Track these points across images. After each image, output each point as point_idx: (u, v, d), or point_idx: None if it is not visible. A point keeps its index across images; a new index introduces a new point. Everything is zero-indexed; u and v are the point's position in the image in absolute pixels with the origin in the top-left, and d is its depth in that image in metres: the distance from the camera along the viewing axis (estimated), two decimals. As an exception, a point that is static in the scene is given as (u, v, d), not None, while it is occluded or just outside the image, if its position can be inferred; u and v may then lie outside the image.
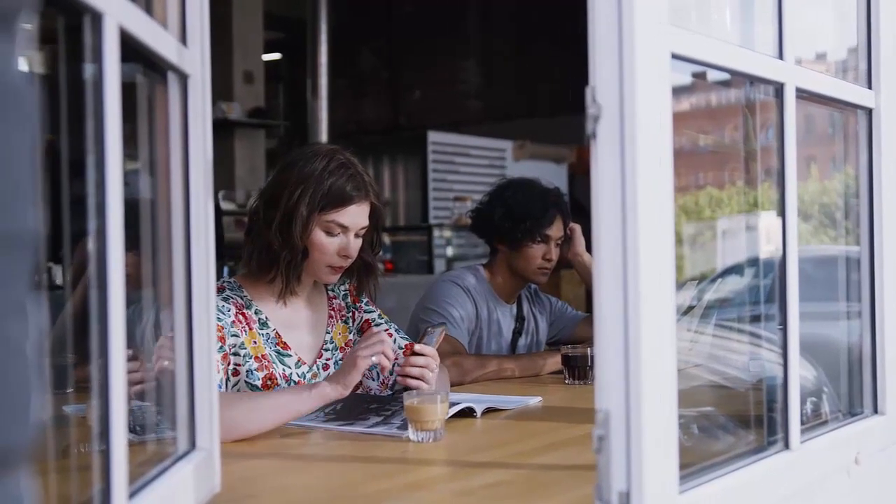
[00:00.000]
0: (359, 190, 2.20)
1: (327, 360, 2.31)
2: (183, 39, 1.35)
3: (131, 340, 1.07)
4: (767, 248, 1.96)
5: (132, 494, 1.09)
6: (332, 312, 2.37)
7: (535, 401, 2.35)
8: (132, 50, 1.12)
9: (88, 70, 1.02)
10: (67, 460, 1.22)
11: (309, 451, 1.84)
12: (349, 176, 2.19)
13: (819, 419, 1.75)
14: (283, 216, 2.16)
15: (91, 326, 1.03)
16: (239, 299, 2.19)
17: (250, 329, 2.18)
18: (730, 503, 1.36)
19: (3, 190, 0.55)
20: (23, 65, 0.57)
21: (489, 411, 2.17)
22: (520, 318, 3.15)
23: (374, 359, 1.97)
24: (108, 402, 1.01)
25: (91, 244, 1.02)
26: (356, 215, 2.20)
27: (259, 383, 2.15)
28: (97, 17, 1.00)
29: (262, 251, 2.20)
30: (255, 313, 2.21)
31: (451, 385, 2.65)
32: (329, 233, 2.19)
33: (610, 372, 1.18)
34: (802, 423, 1.56)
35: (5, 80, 0.55)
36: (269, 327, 2.21)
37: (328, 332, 2.34)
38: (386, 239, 7.64)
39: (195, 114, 1.37)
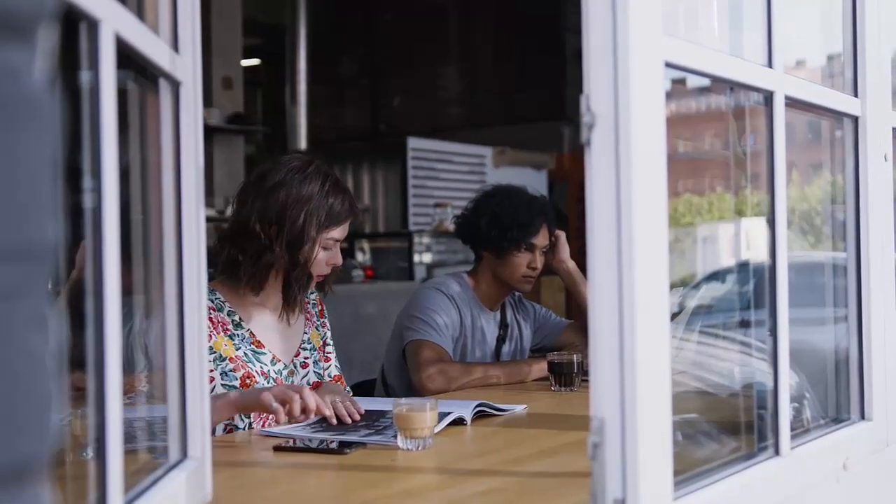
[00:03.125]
0: (353, 205, 2.35)
1: (305, 358, 2.41)
2: (175, 46, 1.34)
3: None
4: (749, 255, 1.97)
5: (127, 504, 1.08)
6: (308, 315, 2.47)
7: (521, 408, 2.35)
8: (125, 56, 1.11)
9: (84, 77, 1.01)
10: (59, 469, 1.21)
11: (299, 461, 1.83)
12: (344, 194, 2.32)
13: (801, 426, 1.76)
14: (290, 238, 2.23)
15: (79, 334, 1.02)
16: (209, 302, 2.22)
17: (219, 333, 2.24)
18: (722, 510, 1.37)
19: (26, 200, 0.54)
20: (43, 74, 0.57)
21: (479, 417, 2.18)
22: (504, 326, 3.15)
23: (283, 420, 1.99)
24: (104, 412, 1.00)
25: (87, 251, 1.01)
26: (346, 229, 2.35)
27: (237, 383, 2.22)
28: (94, 24, 0.99)
29: (264, 270, 2.26)
30: (228, 315, 2.28)
31: (437, 393, 2.66)
32: (325, 248, 2.31)
33: (605, 379, 1.18)
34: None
35: (27, 90, 0.55)
36: (243, 328, 2.28)
37: (306, 333, 2.43)
38: (366, 245, 7.63)
39: (187, 121, 1.36)
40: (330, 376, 2.44)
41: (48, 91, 0.58)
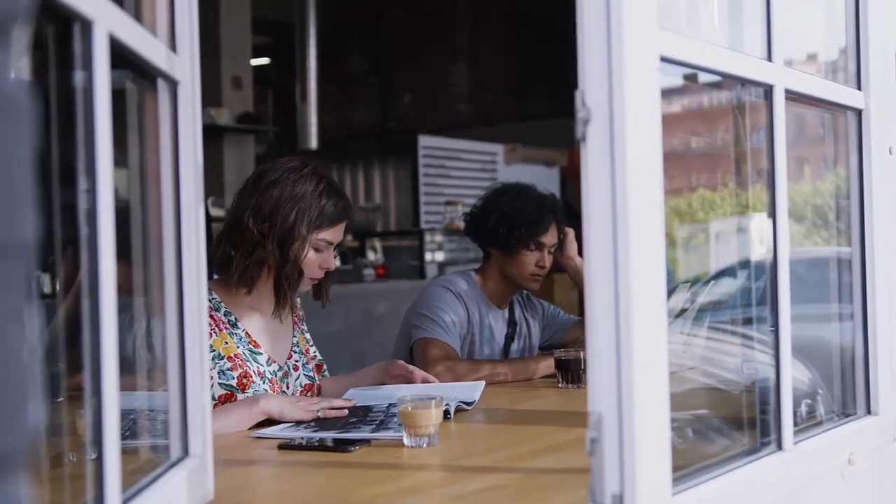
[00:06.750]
0: (347, 209, 2.36)
1: (296, 361, 2.44)
2: (172, 46, 1.35)
3: (122, 349, 1.07)
4: (760, 250, 1.96)
5: (125, 501, 1.09)
6: (296, 320, 2.51)
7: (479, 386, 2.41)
8: (121, 56, 1.12)
9: (78, 77, 1.02)
10: (58, 469, 1.22)
11: (302, 458, 1.83)
12: (338, 197, 2.34)
13: (814, 421, 1.76)
14: (280, 235, 2.26)
15: (82, 335, 1.03)
16: (207, 303, 2.23)
17: (220, 331, 2.27)
18: (724, 505, 1.37)
19: (4, 197, 0.55)
20: (18, 73, 0.58)
21: (485, 413, 2.19)
22: (512, 323, 3.15)
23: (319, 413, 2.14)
24: (101, 410, 1.01)
25: (83, 252, 1.02)
26: (341, 232, 2.37)
27: (234, 382, 2.24)
28: (87, 25, 1.00)
29: (255, 266, 2.28)
30: (225, 315, 2.31)
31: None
32: (317, 250, 2.32)
33: (602, 374, 1.18)
34: (797, 424, 1.56)
35: (4, 89, 0.55)
36: (239, 328, 2.32)
37: (294, 337, 2.47)
38: (377, 244, 7.63)
39: (185, 120, 1.37)
40: (301, 385, 2.44)
41: (24, 90, 0.58)
